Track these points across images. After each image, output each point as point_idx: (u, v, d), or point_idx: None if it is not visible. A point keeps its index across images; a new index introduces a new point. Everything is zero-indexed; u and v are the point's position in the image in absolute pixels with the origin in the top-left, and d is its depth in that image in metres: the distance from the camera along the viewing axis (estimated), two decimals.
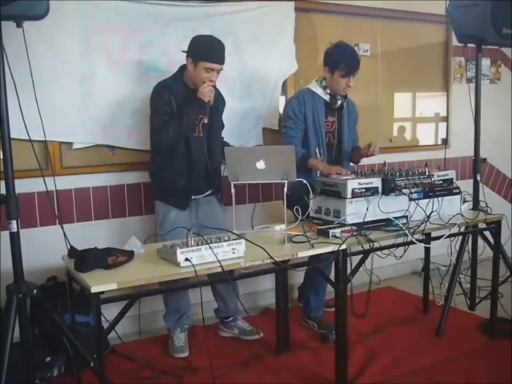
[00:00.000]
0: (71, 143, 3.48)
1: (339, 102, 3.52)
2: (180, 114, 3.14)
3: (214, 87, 3.25)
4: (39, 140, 2.82)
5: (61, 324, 2.55)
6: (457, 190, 3.29)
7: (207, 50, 3.14)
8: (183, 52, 3.21)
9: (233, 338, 3.66)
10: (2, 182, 2.35)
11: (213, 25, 3.73)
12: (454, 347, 3.40)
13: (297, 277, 4.07)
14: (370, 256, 2.94)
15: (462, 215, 3.24)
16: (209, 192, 3.44)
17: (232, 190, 2.80)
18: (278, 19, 4.02)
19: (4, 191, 2.35)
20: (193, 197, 3.37)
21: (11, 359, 2.29)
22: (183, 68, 3.29)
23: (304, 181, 2.86)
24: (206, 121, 3.25)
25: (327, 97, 3.51)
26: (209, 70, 3.14)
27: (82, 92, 3.42)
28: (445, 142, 5.11)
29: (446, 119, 5.17)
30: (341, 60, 3.37)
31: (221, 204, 3.50)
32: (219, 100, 3.42)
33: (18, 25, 2.26)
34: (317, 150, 3.48)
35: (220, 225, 3.01)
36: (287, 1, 4.04)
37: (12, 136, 2.37)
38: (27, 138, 2.49)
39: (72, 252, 2.51)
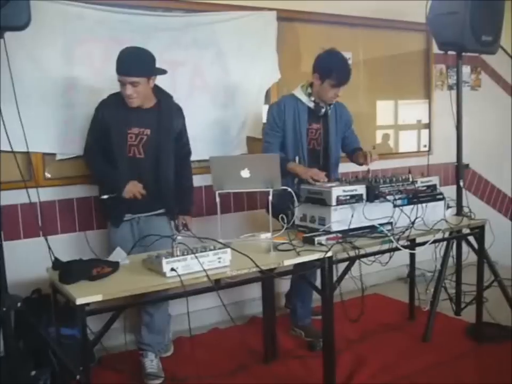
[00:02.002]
0: (54, 154, 3.46)
1: (323, 110, 3.51)
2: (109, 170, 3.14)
3: (167, 100, 3.23)
4: (22, 151, 2.80)
5: (46, 337, 2.52)
6: (441, 196, 3.31)
7: (117, 62, 3.01)
8: None
9: (221, 349, 3.63)
10: None
11: (195, 34, 3.74)
12: (441, 352, 3.42)
13: (284, 285, 4.07)
14: (357, 263, 2.95)
15: (446, 221, 3.27)
16: (155, 212, 3.28)
17: (217, 199, 2.79)
18: (261, 28, 4.05)
19: None
20: (132, 216, 3.25)
21: None
22: None
23: (289, 189, 2.86)
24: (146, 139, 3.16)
25: (311, 105, 3.49)
26: (121, 83, 3.03)
27: (65, 103, 3.41)
28: (428, 148, 5.16)
29: (428, 126, 5.22)
30: (333, 69, 3.33)
31: (170, 222, 3.37)
32: (173, 117, 3.26)
33: (0, 36, 2.25)
34: (296, 158, 3.46)
35: (165, 243, 2.66)
36: (269, 10, 4.06)
37: None
38: (9, 149, 2.47)
39: (57, 264, 2.48)
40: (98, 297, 2.17)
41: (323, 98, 3.47)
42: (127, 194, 3.08)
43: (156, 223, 3.25)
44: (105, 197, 3.13)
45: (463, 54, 3.67)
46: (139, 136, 3.15)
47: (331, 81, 3.36)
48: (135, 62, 3.00)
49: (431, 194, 3.27)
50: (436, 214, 3.26)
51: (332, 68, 3.34)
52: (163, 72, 3.14)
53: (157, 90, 3.19)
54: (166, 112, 3.22)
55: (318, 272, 2.87)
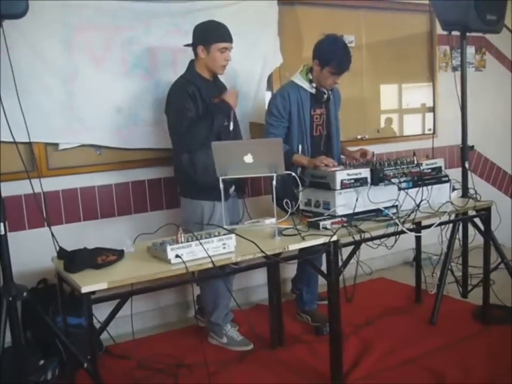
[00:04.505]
0: (56, 144, 3.44)
1: (325, 96, 3.48)
2: (209, 115, 3.17)
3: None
4: (24, 141, 2.78)
5: (53, 326, 2.53)
6: (446, 178, 3.29)
7: (216, 31, 3.19)
8: (187, 45, 3.25)
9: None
10: None
11: (195, 20, 3.66)
12: (448, 335, 3.41)
13: (290, 271, 4.07)
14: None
15: (452, 203, 3.25)
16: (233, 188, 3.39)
17: (221, 185, 2.78)
18: (261, 12, 4.00)
19: None
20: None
21: (4, 364, 2.27)
22: (192, 62, 3.30)
23: (293, 174, 2.84)
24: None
25: (313, 91, 3.46)
26: (223, 50, 3.19)
27: (66, 91, 3.38)
28: (433, 131, 5.12)
29: (432, 108, 5.18)
30: (334, 57, 3.29)
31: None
32: None
33: None
34: (300, 147, 3.44)
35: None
36: None
37: None
38: (11, 140, 2.45)
39: (62, 253, 2.48)
40: (103, 285, 2.17)
41: (322, 84, 3.44)
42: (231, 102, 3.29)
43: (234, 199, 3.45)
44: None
45: (467, 34, 3.63)
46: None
47: (331, 69, 3.33)
48: (229, 30, 3.22)
49: (436, 177, 3.24)
50: (441, 196, 3.24)
51: (332, 56, 3.30)
52: None
53: None
54: (222, 83, 3.47)
55: (324, 257, 2.86)
